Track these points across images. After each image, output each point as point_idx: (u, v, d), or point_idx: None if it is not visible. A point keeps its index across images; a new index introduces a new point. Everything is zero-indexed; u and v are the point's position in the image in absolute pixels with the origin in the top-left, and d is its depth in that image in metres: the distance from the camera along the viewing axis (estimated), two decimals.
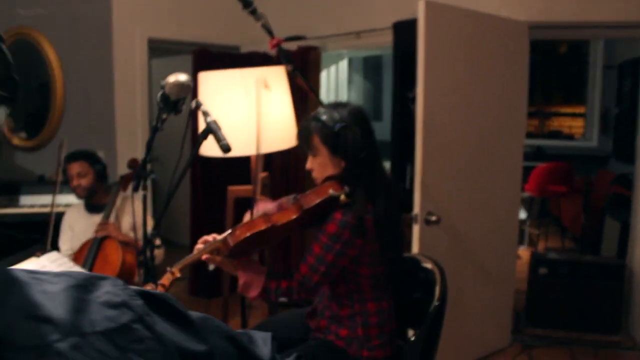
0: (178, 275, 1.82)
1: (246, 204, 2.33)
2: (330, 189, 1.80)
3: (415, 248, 2.91)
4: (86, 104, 4.21)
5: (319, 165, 1.87)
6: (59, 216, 3.14)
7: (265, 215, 1.84)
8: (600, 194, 5.49)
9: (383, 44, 3.98)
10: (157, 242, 3.04)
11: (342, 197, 1.76)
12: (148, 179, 2.14)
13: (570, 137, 7.98)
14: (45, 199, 3.86)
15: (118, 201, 3.06)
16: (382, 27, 3.77)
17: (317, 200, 1.80)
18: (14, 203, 3.91)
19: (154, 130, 1.85)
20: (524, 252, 5.66)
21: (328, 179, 1.86)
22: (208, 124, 1.79)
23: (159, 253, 3.03)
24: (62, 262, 1.82)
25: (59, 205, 3.37)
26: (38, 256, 1.81)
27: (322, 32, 4.30)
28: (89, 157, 3.02)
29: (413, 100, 2.91)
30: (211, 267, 1.88)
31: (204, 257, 1.84)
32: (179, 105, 1.78)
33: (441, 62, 2.87)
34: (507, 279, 3.50)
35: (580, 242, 5.68)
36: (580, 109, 7.96)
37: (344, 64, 4.84)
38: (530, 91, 3.38)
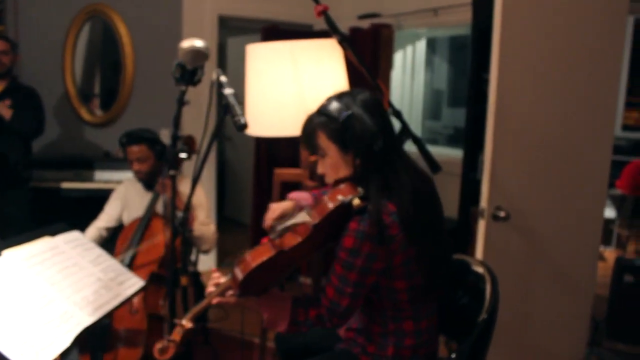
0: (189, 326, 1.65)
1: (294, 189, 2.16)
2: (339, 195, 1.53)
3: (479, 246, 2.64)
4: (155, 81, 4.19)
5: (331, 167, 1.59)
6: None
7: (271, 241, 1.58)
8: None
9: (463, 21, 3.68)
10: (199, 221, 2.95)
11: (356, 201, 1.49)
12: (181, 158, 2.01)
13: None
14: (119, 175, 3.88)
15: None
16: (461, 3, 3.47)
17: (326, 212, 1.52)
18: (89, 178, 3.96)
19: (179, 104, 1.71)
20: (610, 254, 5.19)
21: (338, 182, 1.59)
22: (225, 97, 1.61)
23: (207, 231, 2.93)
24: (78, 243, 1.73)
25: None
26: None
27: (397, 9, 4.05)
28: (148, 140, 2.94)
29: (487, 82, 2.63)
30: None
31: (215, 301, 1.64)
32: (197, 75, 1.62)
33: (520, 38, 2.55)
34: (585, 285, 3.14)
35: None
36: None
37: (421, 45, 4.56)
38: (632, 81, 2.97)
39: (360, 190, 1.52)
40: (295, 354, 1.91)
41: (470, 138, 3.28)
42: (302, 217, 1.57)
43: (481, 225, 2.62)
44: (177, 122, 1.85)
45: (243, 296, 1.61)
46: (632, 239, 5.48)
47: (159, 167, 2.97)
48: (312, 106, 1.64)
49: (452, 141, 5.53)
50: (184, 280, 2.11)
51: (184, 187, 3.00)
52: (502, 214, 2.57)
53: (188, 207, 1.94)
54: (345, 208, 1.51)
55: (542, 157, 2.75)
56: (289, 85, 2.23)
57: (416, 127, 4.56)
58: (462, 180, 3.33)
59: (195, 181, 1.88)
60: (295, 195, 1.82)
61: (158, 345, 1.65)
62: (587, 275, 3.14)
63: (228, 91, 1.62)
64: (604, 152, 3.01)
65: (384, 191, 1.50)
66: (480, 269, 1.70)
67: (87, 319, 1.57)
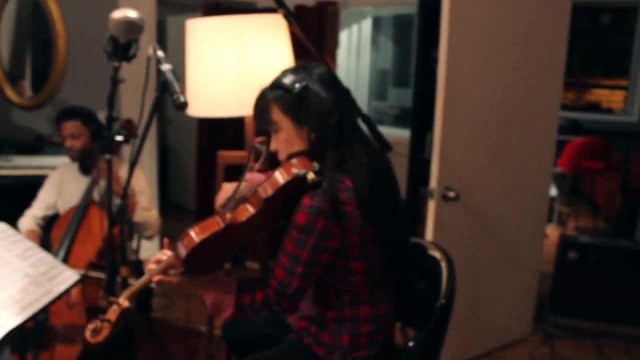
0: (126, 305, 1.50)
1: (239, 172, 2.05)
2: (293, 168, 1.43)
3: (429, 226, 2.61)
4: (90, 63, 3.95)
5: (284, 142, 1.50)
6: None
7: (220, 215, 1.46)
8: (639, 173, 5.09)
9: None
10: (141, 205, 2.81)
11: (310, 175, 1.40)
12: (117, 141, 1.87)
13: (609, 111, 7.49)
14: (45, 160, 3.65)
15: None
16: None
17: (279, 185, 1.42)
18: (20, 164, 3.70)
19: (113, 83, 1.57)
20: (552, 231, 5.32)
21: (292, 156, 1.49)
22: (162, 74, 1.48)
23: (149, 217, 2.80)
24: (3, 236, 1.58)
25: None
26: None
27: None
28: (82, 116, 2.77)
29: (436, 60, 2.58)
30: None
31: (156, 279, 1.50)
32: (131, 50, 1.49)
33: (469, 17, 2.52)
34: (532, 262, 3.18)
35: (614, 223, 5.30)
36: (622, 82, 7.43)
37: (367, 24, 4.49)
38: (568, 62, 2.99)
39: (315, 164, 1.44)
40: (243, 345, 1.82)
41: (417, 118, 3.25)
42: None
43: (431, 206, 2.59)
44: (111, 102, 1.70)
45: (187, 275, 1.49)
46: (572, 216, 5.63)
47: (94, 147, 2.80)
48: (257, 85, 1.55)
49: (398, 121, 5.51)
50: (123, 271, 1.98)
51: (123, 172, 2.84)
52: (451, 194, 2.54)
53: (126, 194, 1.81)
54: (299, 182, 1.42)
55: (491, 137, 2.74)
56: (232, 62, 2.11)
57: (362, 107, 4.50)
58: (409, 161, 3.29)
59: (132, 165, 1.75)
60: (249, 176, 1.72)
61: (90, 326, 1.49)
62: (534, 252, 3.18)
63: (166, 67, 1.49)
64: (549, 132, 3.04)
65: (340, 166, 1.43)
66: (436, 253, 1.64)
67: (12, 320, 1.43)
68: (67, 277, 1.89)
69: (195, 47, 2.16)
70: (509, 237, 2.98)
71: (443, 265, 1.58)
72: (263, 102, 1.50)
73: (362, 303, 1.53)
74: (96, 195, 2.72)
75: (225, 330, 1.89)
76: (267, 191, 1.43)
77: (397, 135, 4.06)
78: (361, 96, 4.51)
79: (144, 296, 3.03)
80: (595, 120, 6.99)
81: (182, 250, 1.42)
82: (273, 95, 1.48)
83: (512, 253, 3.03)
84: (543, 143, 3.01)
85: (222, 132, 4.12)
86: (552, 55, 2.92)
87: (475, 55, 2.58)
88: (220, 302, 1.47)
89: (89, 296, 2.51)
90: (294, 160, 1.46)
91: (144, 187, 2.86)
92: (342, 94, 1.50)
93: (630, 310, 3.38)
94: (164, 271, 1.50)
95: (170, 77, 1.47)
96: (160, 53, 1.51)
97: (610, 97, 7.70)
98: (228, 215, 1.46)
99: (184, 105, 1.44)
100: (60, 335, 2.41)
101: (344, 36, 4.39)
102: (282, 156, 1.53)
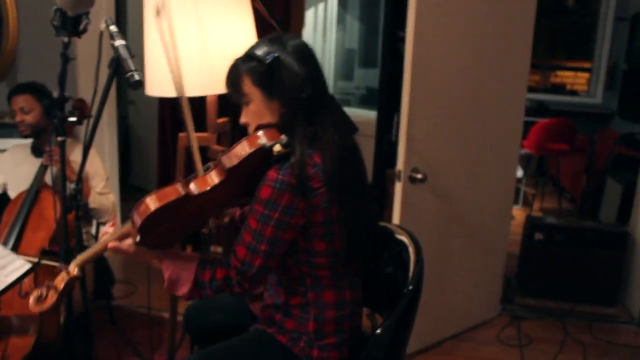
0: (76, 274, 1.42)
1: (204, 154, 1.96)
2: (260, 139, 1.36)
3: (396, 208, 2.57)
4: (44, 39, 3.76)
5: (254, 114, 1.46)
6: None
7: (181, 183, 1.38)
8: (603, 154, 5.15)
9: None
10: (98, 190, 2.71)
11: (277, 147, 1.34)
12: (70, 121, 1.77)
13: (573, 92, 7.56)
14: (5, 143, 3.48)
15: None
16: None
17: (244, 155, 1.35)
18: None
19: (64, 60, 1.46)
20: (518, 212, 5.35)
21: (260, 127, 1.42)
22: (115, 50, 1.38)
23: (105, 201, 2.70)
24: None
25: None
26: None
27: None
28: (35, 90, 2.65)
29: (403, 40, 2.51)
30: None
31: (110, 246, 1.42)
32: (81, 25, 1.38)
33: None
34: (499, 244, 3.18)
35: (579, 204, 5.37)
36: (586, 65, 7.51)
37: (333, 2, 4.39)
38: (534, 44, 2.96)
39: (283, 137, 1.38)
40: (206, 335, 1.75)
41: (384, 98, 3.19)
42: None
43: (398, 188, 2.54)
44: (62, 81, 1.60)
45: (142, 245, 1.41)
46: (537, 196, 5.68)
47: (47, 125, 2.67)
48: (218, 63, 1.48)
49: (364, 102, 5.44)
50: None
51: (77, 155, 2.72)
52: (419, 175, 2.50)
53: (80, 178, 1.72)
54: (265, 154, 1.36)
55: (458, 118, 2.70)
56: (192, 40, 2.00)
57: (329, 88, 4.43)
58: (376, 142, 3.24)
59: (86, 148, 1.65)
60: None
61: (35, 293, 1.42)
62: (501, 233, 3.17)
63: (119, 42, 1.38)
64: (517, 113, 3.01)
65: (309, 142, 1.39)
66: (403, 237, 1.59)
67: None
68: (18, 266, 1.80)
69: (153, 22, 2.05)
70: (476, 218, 2.96)
71: (411, 250, 1.53)
72: (235, 73, 1.45)
73: (326, 287, 1.48)
74: (48, 178, 2.60)
75: (187, 319, 1.81)
76: (231, 161, 1.36)
77: (363, 116, 4.01)
78: (327, 76, 4.42)
79: (104, 283, 2.93)
80: (561, 102, 7.05)
81: (137, 218, 1.34)
82: (245, 66, 1.43)
83: (479, 235, 3.01)
84: (510, 124, 2.98)
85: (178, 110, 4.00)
86: (520, 36, 2.89)
87: (443, 35, 2.52)
88: (178, 276, 1.40)
89: (42, 285, 2.40)
90: (261, 131, 1.40)
91: (99, 171, 2.74)
92: (315, 69, 1.45)
93: (594, 289, 3.42)
94: (120, 240, 1.43)
95: (123, 53, 1.37)
96: (113, 28, 1.41)
97: (574, 79, 7.77)
98: (190, 185, 1.38)
99: (138, 83, 1.35)
100: (12, 327, 2.30)
101: (309, 15, 4.30)
102: (252, 129, 1.47)
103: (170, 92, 2.16)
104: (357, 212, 1.45)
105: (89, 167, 2.70)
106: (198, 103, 2.37)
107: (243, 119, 1.49)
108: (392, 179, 2.71)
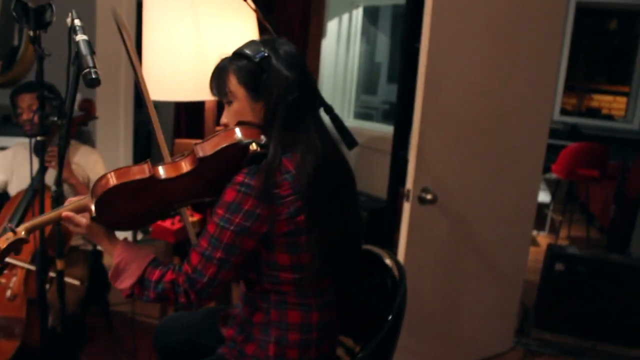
0: (23, 236, 1.32)
1: None
2: (237, 134, 1.29)
3: (403, 230, 2.43)
4: (56, 43, 3.75)
5: (235, 114, 1.38)
6: None
7: (149, 165, 1.31)
8: (636, 183, 4.90)
9: None
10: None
11: (254, 146, 1.27)
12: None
13: (609, 117, 7.28)
14: (10, 141, 3.46)
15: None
16: None
17: (218, 147, 1.28)
18: None
19: (38, 57, 1.38)
20: (543, 239, 5.13)
21: (241, 123, 1.36)
22: (76, 45, 1.29)
23: None
24: None
25: None
26: None
27: None
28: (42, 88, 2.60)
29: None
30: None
31: (64, 214, 1.34)
32: (46, 17, 1.30)
33: (455, 5, 2.32)
34: (516, 272, 2.99)
35: (607, 234, 5.11)
36: (624, 89, 7.23)
37: (358, 13, 4.29)
38: (571, 66, 2.79)
39: (262, 138, 1.31)
40: (172, 354, 1.65)
41: (401, 113, 3.04)
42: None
43: (406, 208, 2.41)
44: (39, 79, 1.53)
45: (97, 221, 1.34)
46: (565, 224, 5.44)
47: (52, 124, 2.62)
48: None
49: (387, 117, 5.31)
50: (59, 264, 1.81)
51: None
52: (429, 196, 2.36)
53: (60, 181, 1.64)
54: (239, 152, 1.29)
55: (475, 137, 2.55)
56: (189, 42, 1.92)
57: (350, 101, 4.31)
58: (391, 159, 3.09)
59: (62, 150, 1.56)
60: None
61: None
62: (518, 261, 2.99)
63: (80, 37, 1.29)
64: (540, 136, 2.84)
65: (287, 148, 1.32)
66: (389, 262, 1.46)
67: None
68: None
69: (151, 23, 1.97)
70: (492, 244, 2.79)
71: (396, 276, 1.40)
72: (221, 70, 1.39)
73: (291, 306, 1.37)
74: (51, 179, 2.54)
75: (155, 336, 1.71)
76: (204, 150, 1.29)
77: (384, 131, 3.88)
78: (349, 89, 4.31)
79: (99, 288, 2.85)
80: (595, 126, 6.80)
81: (96, 191, 1.28)
82: (233, 64, 1.37)
83: (494, 262, 2.84)
84: (532, 147, 2.81)
85: (196, 117, 3.93)
86: (546, 57, 2.72)
87: (460, 50, 2.39)
88: (126, 266, 1.32)
89: (31, 288, 2.34)
90: (240, 127, 1.33)
91: (100, 173, 2.67)
92: (304, 76, 1.39)
93: (618, 328, 3.20)
94: (76, 211, 1.35)
95: (83, 49, 1.28)
96: (77, 22, 1.33)
97: (611, 103, 7.49)
98: (158, 168, 1.30)
99: (94, 81, 1.25)
100: None
101: (333, 25, 4.19)
102: None
103: (166, 96, 2.08)
104: (332, 227, 1.35)
105: (91, 173, 2.64)
106: (196, 108, 2.29)
107: (224, 119, 1.41)
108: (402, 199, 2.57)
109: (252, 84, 1.34)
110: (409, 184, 2.37)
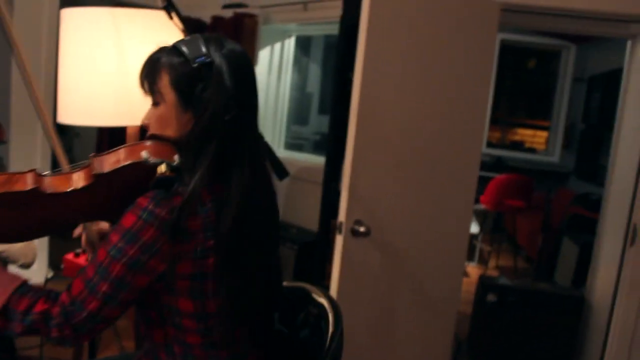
0: None
1: None
2: (144, 151, 1.10)
3: (336, 263, 2.35)
4: None
5: (158, 118, 1.18)
6: None
7: (38, 176, 1.09)
8: (559, 213, 5.06)
9: (333, 17, 3.41)
10: None
11: (163, 167, 1.10)
12: None
13: (532, 150, 7.57)
14: None
15: None
16: None
17: (119, 164, 1.09)
18: None
19: None
20: (474, 269, 5.19)
21: (153, 137, 1.17)
22: None
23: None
24: None
25: None
26: None
27: (264, 1, 3.72)
28: None
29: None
30: None
31: None
32: None
33: (389, 37, 2.31)
34: (449, 303, 2.95)
35: (534, 262, 5.23)
36: (545, 124, 7.56)
37: (290, 43, 4.25)
38: (495, 101, 2.83)
39: (176, 158, 1.13)
40: None
41: (333, 144, 3.00)
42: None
43: (338, 241, 2.33)
44: None
45: None
46: (493, 254, 5.53)
47: None
48: (140, 92, 1.23)
49: (318, 148, 5.28)
50: None
51: None
52: (362, 228, 2.29)
53: None
54: (146, 171, 1.10)
55: (408, 169, 2.52)
56: (110, 64, 1.78)
57: (280, 132, 4.23)
58: (323, 190, 3.04)
59: None
60: None
61: None
62: (451, 293, 2.96)
63: None
64: (472, 168, 2.84)
65: (210, 174, 1.11)
66: (323, 301, 1.35)
67: None
68: None
69: (71, 42, 1.83)
70: (425, 276, 2.75)
71: (330, 317, 1.29)
72: (154, 63, 1.18)
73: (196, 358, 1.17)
74: None
75: None
76: (102, 166, 1.09)
77: (314, 162, 3.82)
78: (279, 119, 4.24)
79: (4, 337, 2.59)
80: (519, 159, 7.04)
81: None
82: (168, 60, 1.16)
83: (427, 294, 2.79)
84: (464, 179, 2.81)
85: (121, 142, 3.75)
86: (477, 90, 2.74)
87: (394, 79, 2.36)
88: None
89: None
90: (149, 142, 1.14)
91: None
92: (249, 88, 1.19)
93: (548, 356, 3.22)
94: None
95: None
96: None
97: (533, 137, 7.80)
98: (46, 180, 1.09)
99: None
100: None
101: (265, 55, 4.13)
102: (151, 132, 1.21)
103: (84, 120, 1.93)
104: (247, 276, 1.17)
105: None
106: (118, 135, 2.14)
107: (145, 119, 1.21)
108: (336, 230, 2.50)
109: (184, 90, 1.14)
110: (342, 216, 2.29)
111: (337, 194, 2.92)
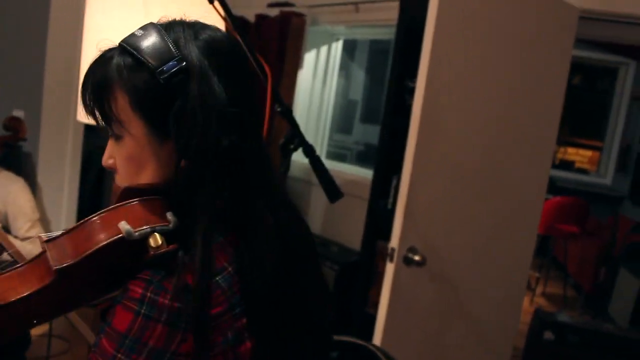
0: None
1: None
2: (122, 220, 0.73)
3: (385, 294, 2.07)
4: (8, 50, 3.35)
5: (127, 161, 0.80)
6: None
7: None
8: (616, 241, 4.69)
9: (387, 20, 3.15)
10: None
11: (155, 240, 0.72)
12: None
13: (582, 170, 7.17)
14: None
15: None
16: None
17: (88, 251, 0.72)
18: None
19: None
20: None
21: (131, 192, 0.78)
22: None
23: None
24: None
25: None
26: None
27: (312, 0, 3.48)
28: None
29: (412, 91, 2.08)
30: None
31: None
32: None
33: (457, 42, 2.03)
34: (505, 342, 2.66)
35: (585, 293, 4.86)
36: (596, 143, 7.15)
37: (338, 46, 4.00)
38: None
39: (171, 219, 0.75)
40: None
41: (384, 157, 2.73)
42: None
43: (389, 269, 2.05)
44: None
45: None
46: (541, 280, 5.18)
47: None
48: None
49: (362, 159, 5.00)
50: None
51: (3, 187, 2.25)
52: (416, 257, 2.01)
53: None
54: (131, 247, 0.73)
55: (470, 191, 2.23)
56: None
57: (323, 141, 3.98)
58: (369, 208, 2.76)
59: None
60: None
61: None
62: (507, 331, 2.66)
63: None
64: (538, 192, 2.55)
65: (219, 225, 0.76)
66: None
67: None
68: None
69: (95, 23, 1.62)
70: (482, 313, 2.45)
71: None
72: (102, 80, 0.77)
73: None
74: None
75: None
76: (61, 257, 0.73)
77: (358, 174, 3.55)
78: (322, 127, 3.99)
79: (13, 344, 2.40)
80: (567, 179, 6.65)
81: None
82: (122, 75, 0.75)
83: (483, 331, 2.50)
84: (530, 204, 2.51)
85: None
86: (549, 104, 2.45)
87: (461, 90, 2.09)
88: None
89: None
90: (132, 204, 0.76)
91: (25, 209, 2.25)
92: (246, 93, 0.80)
93: None
94: None
95: None
96: None
97: (583, 157, 7.39)
98: None
99: None
100: None
101: (310, 58, 3.89)
102: (121, 180, 0.83)
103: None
104: (298, 343, 0.85)
105: (10, 207, 2.21)
106: None
107: (108, 159, 0.83)
108: (384, 253, 2.24)
109: (155, 114, 0.76)
110: (394, 242, 2.02)
111: (386, 212, 2.65)
